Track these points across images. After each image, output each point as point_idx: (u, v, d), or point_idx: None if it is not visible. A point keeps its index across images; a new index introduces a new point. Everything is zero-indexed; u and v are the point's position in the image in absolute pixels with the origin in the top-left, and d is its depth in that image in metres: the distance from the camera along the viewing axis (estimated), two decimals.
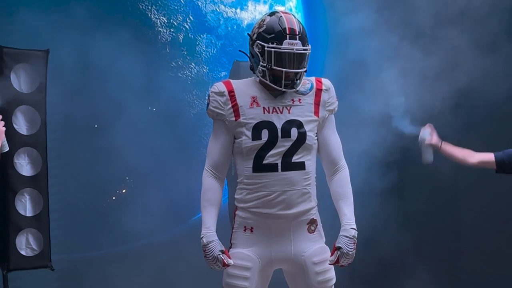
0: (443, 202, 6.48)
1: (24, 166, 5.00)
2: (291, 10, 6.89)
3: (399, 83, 6.15)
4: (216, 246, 3.58)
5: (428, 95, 5.92)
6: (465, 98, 5.92)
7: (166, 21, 6.55)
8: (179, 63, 6.59)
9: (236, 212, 3.71)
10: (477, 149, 4.41)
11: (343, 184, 3.72)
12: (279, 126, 3.59)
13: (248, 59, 3.74)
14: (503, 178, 6.28)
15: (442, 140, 4.43)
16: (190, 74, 6.62)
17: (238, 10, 6.74)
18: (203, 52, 6.67)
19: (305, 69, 3.61)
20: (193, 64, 6.61)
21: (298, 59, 3.56)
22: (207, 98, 3.70)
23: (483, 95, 5.69)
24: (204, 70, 6.65)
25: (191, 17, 6.63)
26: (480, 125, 6.20)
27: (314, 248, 3.68)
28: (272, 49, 3.53)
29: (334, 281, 3.76)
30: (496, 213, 6.42)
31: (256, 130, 3.58)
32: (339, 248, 3.60)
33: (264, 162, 3.58)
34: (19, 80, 4.96)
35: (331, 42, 6.61)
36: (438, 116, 5.51)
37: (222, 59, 6.72)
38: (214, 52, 6.73)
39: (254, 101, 3.63)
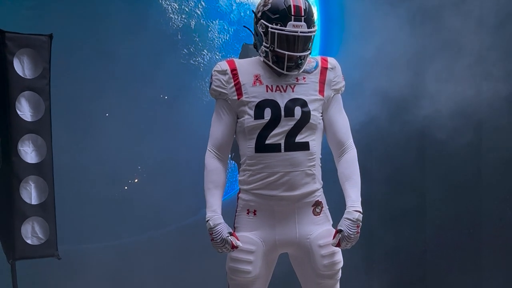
0: (464, 190, 6.32)
1: (28, 153, 4.91)
2: None
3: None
4: (224, 229, 3.49)
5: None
6: None
7: (177, 7, 6.43)
8: (191, 49, 6.47)
9: (239, 195, 3.62)
10: None
11: (349, 165, 3.60)
12: (282, 104, 3.49)
13: (253, 36, 3.64)
14: None
15: None
16: (202, 61, 6.50)
17: None
18: (216, 39, 6.54)
19: (309, 52, 3.51)
20: (205, 50, 6.49)
21: (302, 42, 3.46)
22: (210, 77, 3.61)
23: None
24: (217, 57, 6.52)
25: (203, 3, 6.51)
26: None
27: (320, 231, 3.57)
28: (276, 31, 3.43)
29: (341, 264, 3.64)
30: None
31: (259, 109, 3.49)
32: (340, 231, 3.48)
33: (267, 142, 3.48)
34: (23, 66, 4.88)
35: (348, 24, 6.44)
36: None
37: (235, 45, 6.59)
38: (227, 38, 6.60)
39: (257, 79, 3.54)
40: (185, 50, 6.45)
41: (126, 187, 6.29)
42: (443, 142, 6.25)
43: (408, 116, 6.22)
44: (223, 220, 3.51)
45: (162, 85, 6.35)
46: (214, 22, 6.55)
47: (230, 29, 6.61)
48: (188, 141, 6.23)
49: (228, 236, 3.47)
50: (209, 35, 6.53)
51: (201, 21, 6.50)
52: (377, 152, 6.31)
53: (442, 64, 6.06)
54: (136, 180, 6.32)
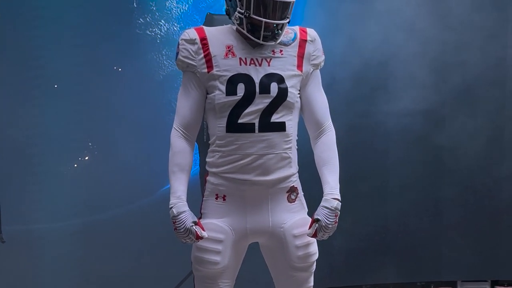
0: (426, 177, 6.16)
1: None
2: None
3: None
4: (188, 217, 3.19)
5: None
6: None
7: None
8: (148, 19, 6.04)
9: (207, 178, 3.32)
10: None
11: (327, 149, 3.36)
12: (257, 80, 3.19)
13: (225, 2, 3.31)
14: (487, 155, 6.05)
15: None
16: (159, 32, 6.09)
17: None
18: (174, 8, 6.13)
19: (288, 20, 3.21)
20: (162, 21, 6.08)
21: (281, 8, 3.16)
22: (176, 46, 3.28)
23: None
24: (175, 28, 6.12)
25: None
26: None
27: (295, 220, 3.31)
28: None
29: (316, 256, 3.39)
30: (481, 186, 6.16)
31: (231, 84, 3.18)
32: (317, 221, 3.23)
33: (240, 121, 3.19)
34: None
35: None
36: None
37: (194, 16, 6.20)
38: (186, 8, 6.20)
39: (229, 50, 3.23)
40: (141, 20, 6.03)
41: (75, 165, 5.88)
42: (405, 128, 6.08)
43: (371, 99, 6.01)
44: (188, 208, 3.22)
45: (116, 56, 5.91)
46: None
47: None
48: (143, 117, 5.85)
49: (192, 225, 3.18)
50: (167, 4, 6.12)
51: None
52: (338, 134, 6.06)
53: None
54: (86, 158, 5.92)
